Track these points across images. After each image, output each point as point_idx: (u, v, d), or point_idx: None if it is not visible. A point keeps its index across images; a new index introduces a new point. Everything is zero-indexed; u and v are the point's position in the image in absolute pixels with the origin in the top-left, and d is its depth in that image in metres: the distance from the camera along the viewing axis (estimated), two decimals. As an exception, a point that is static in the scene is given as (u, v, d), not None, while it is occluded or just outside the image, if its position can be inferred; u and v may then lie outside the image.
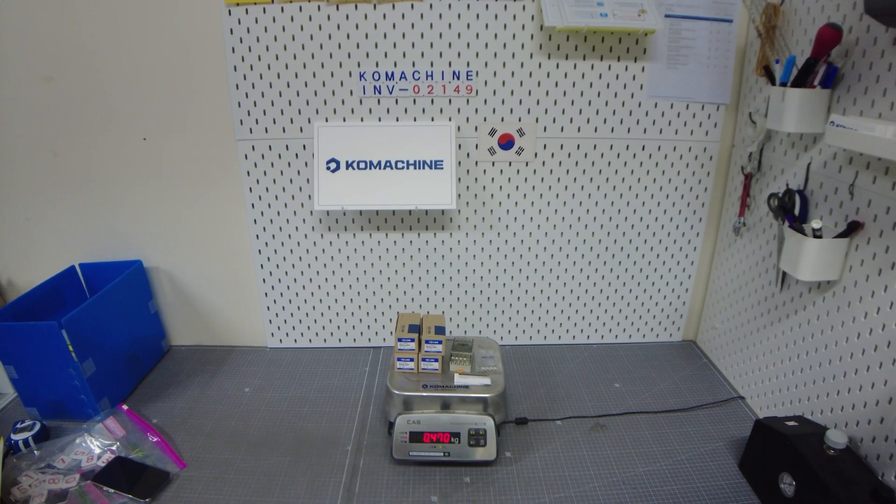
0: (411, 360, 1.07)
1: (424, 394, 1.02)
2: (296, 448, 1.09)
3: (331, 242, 1.33)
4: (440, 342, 1.05)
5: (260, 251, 1.34)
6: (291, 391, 1.27)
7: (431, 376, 1.06)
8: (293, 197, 1.28)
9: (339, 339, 1.44)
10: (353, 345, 1.45)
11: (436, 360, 1.07)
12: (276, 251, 1.34)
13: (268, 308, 1.40)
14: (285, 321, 1.42)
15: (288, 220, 1.31)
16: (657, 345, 1.45)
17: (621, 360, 1.38)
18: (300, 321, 1.42)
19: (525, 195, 1.30)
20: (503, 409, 1.05)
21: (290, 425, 1.15)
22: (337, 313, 1.41)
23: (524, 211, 1.31)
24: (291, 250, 1.34)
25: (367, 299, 1.39)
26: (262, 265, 1.35)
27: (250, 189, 1.27)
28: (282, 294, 1.38)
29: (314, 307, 1.40)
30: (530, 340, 1.45)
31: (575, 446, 1.09)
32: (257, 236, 1.32)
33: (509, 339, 1.45)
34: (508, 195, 1.29)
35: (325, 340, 1.44)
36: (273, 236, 1.32)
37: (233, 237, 1.33)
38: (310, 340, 1.44)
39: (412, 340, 1.06)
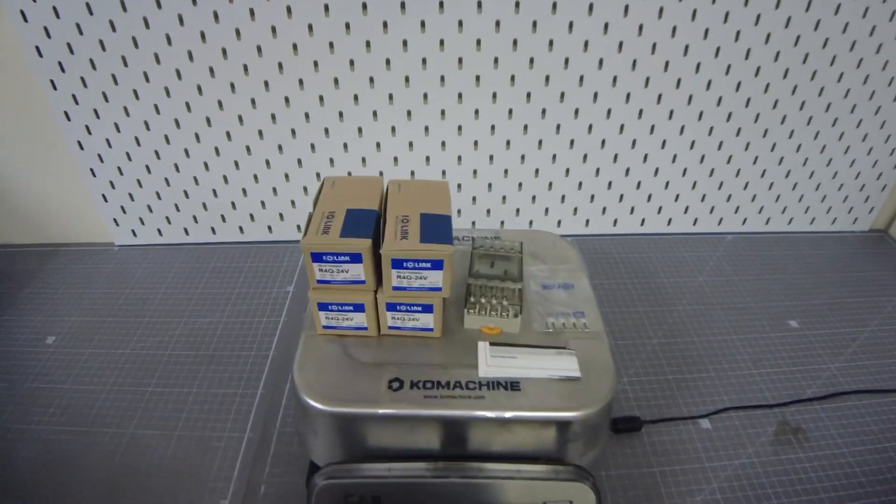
0: (355, 308, 0.39)
1: (396, 411, 0.35)
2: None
3: (203, 33, 0.59)
4: (440, 264, 0.37)
5: (60, 70, 0.60)
6: (132, 345, 0.62)
7: (414, 352, 0.39)
8: None
9: (240, 228, 0.76)
10: (268, 238, 0.77)
11: (427, 310, 0.39)
12: (80, 71, 0.60)
13: (92, 172, 0.70)
14: (133, 198, 0.73)
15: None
16: (834, 237, 0.84)
17: (782, 265, 0.77)
18: (161, 198, 0.73)
19: None
20: (604, 434, 0.40)
21: (107, 442, 0.51)
22: (225, 177, 0.71)
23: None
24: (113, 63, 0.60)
25: (282, 147, 0.68)
26: (69, 93, 0.63)
27: None
28: (117, 147, 0.67)
29: (181, 169, 0.70)
30: (615, 227, 0.79)
31: (751, 482, 0.46)
32: (39, 51, 0.58)
33: (572, 225, 0.78)
34: None
35: (213, 231, 0.76)
36: (69, 46, 0.58)
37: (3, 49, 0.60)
38: (185, 232, 0.76)
39: (356, 259, 0.37)
